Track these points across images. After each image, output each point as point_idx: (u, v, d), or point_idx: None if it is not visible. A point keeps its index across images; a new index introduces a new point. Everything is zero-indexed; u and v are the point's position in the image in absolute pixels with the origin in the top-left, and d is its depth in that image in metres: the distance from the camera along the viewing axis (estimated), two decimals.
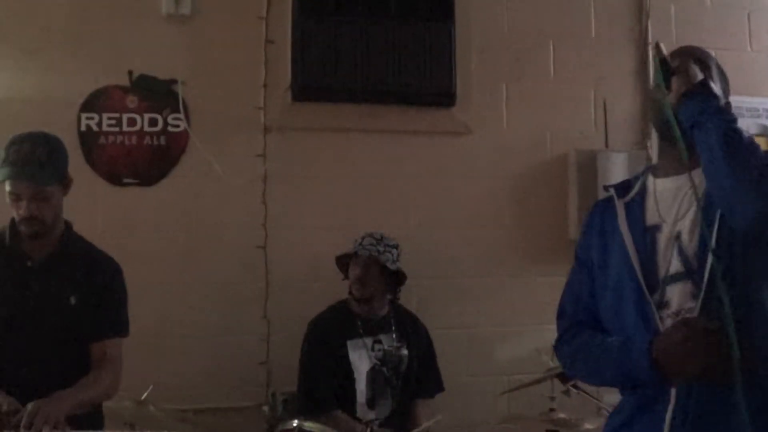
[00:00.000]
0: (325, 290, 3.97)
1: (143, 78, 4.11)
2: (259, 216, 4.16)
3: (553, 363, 3.62)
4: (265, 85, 4.23)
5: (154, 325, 3.88)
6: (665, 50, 2.01)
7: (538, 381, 3.60)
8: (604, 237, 2.14)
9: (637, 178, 2.17)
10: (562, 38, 4.62)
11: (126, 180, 4.09)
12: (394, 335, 3.84)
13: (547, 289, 4.37)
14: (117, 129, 4.07)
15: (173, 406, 3.21)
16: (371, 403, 3.73)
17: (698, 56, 2.07)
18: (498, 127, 4.53)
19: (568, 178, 4.55)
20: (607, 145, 4.62)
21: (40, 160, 2.73)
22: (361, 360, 3.76)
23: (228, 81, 4.19)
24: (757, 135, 4.52)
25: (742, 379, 1.84)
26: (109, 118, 4.07)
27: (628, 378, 2.01)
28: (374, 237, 3.82)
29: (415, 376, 3.86)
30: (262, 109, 4.22)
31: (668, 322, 1.94)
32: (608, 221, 2.14)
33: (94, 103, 4.06)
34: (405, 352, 3.81)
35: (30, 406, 2.46)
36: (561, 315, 2.29)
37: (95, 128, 4.05)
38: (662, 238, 2.00)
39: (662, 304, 1.96)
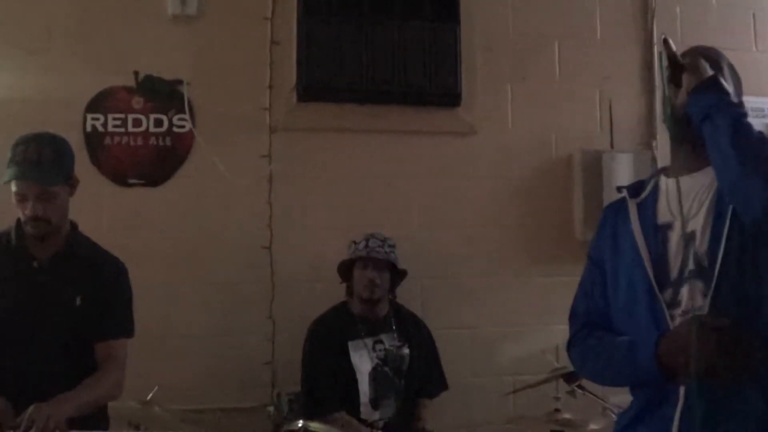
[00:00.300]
0: (330, 290, 3.97)
1: (149, 79, 4.12)
2: (264, 216, 4.17)
3: (558, 363, 3.62)
4: (270, 86, 4.23)
5: (160, 326, 3.88)
6: (674, 46, 1.99)
7: (543, 381, 3.60)
8: (616, 237, 2.14)
9: (650, 178, 2.17)
10: (567, 39, 4.62)
11: (131, 180, 4.10)
12: (395, 335, 3.84)
13: (551, 289, 4.39)
14: (122, 129, 4.08)
15: (178, 407, 3.21)
16: (375, 404, 3.73)
17: (709, 55, 2.07)
18: (503, 127, 4.53)
19: (573, 178, 4.54)
20: (612, 146, 4.61)
21: (46, 161, 2.73)
22: (362, 361, 3.76)
23: (233, 81, 4.19)
24: None
25: (751, 376, 1.84)
26: (115, 119, 4.07)
27: (635, 377, 2.02)
28: (378, 238, 3.82)
29: (418, 375, 3.86)
30: (267, 110, 4.22)
31: (678, 321, 1.94)
32: (621, 222, 2.14)
33: (99, 103, 4.07)
34: (406, 351, 3.82)
35: (31, 408, 2.46)
36: (573, 316, 2.31)
37: (101, 129, 4.06)
38: (674, 237, 2.00)
39: (673, 303, 1.96)
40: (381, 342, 3.81)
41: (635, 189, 2.17)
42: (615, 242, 2.14)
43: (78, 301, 2.80)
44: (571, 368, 3.54)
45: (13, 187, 2.73)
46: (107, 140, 4.07)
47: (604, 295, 2.19)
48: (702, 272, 1.93)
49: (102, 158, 4.06)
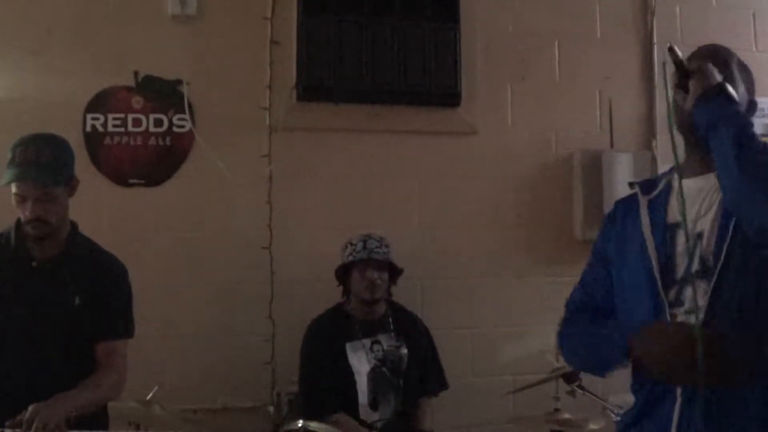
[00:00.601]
0: (330, 290, 3.97)
1: (148, 78, 4.12)
2: (264, 216, 4.17)
3: (558, 363, 3.62)
4: (270, 86, 4.23)
5: (159, 326, 3.88)
6: (680, 53, 1.98)
7: (543, 381, 3.60)
8: (624, 234, 2.14)
9: (662, 176, 2.17)
10: (568, 38, 4.62)
11: (131, 180, 4.10)
12: (392, 334, 3.84)
13: (552, 289, 4.39)
14: (122, 129, 4.08)
15: (178, 407, 3.22)
16: (374, 405, 3.72)
17: (718, 56, 2.05)
18: (503, 127, 4.53)
19: (573, 178, 4.55)
20: (612, 146, 4.61)
21: (45, 162, 2.72)
22: (360, 362, 3.75)
23: (233, 81, 4.19)
24: (763, 135, 4.51)
25: (750, 377, 1.84)
26: (115, 119, 4.07)
27: (606, 366, 2.08)
28: (374, 239, 3.82)
29: (417, 374, 3.86)
30: (267, 110, 4.22)
31: (680, 320, 1.95)
32: (630, 218, 2.14)
33: (99, 103, 4.07)
34: (404, 351, 3.81)
35: (30, 408, 2.46)
36: (567, 304, 2.32)
37: (100, 129, 4.06)
38: (682, 237, 1.99)
39: (676, 303, 1.97)
40: (379, 342, 3.80)
41: (647, 186, 2.17)
42: (623, 238, 2.14)
43: (77, 301, 2.80)
44: (570, 368, 3.55)
45: (13, 189, 2.73)
46: (107, 140, 4.07)
47: (603, 291, 2.19)
48: (706, 272, 1.93)
49: (102, 158, 4.06)
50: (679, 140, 2.06)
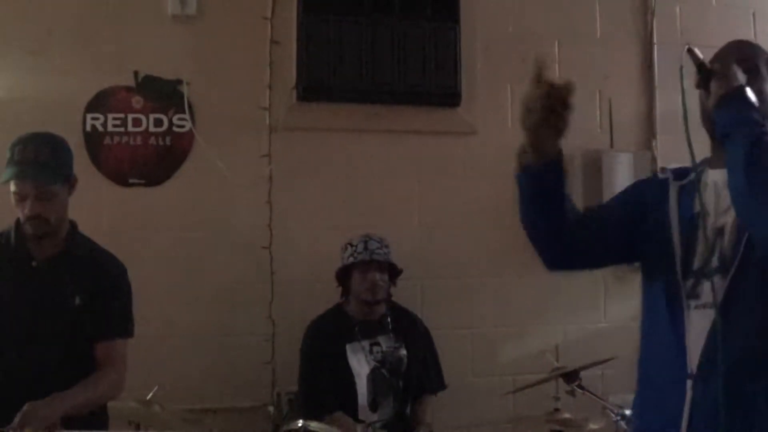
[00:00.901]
0: (330, 290, 3.96)
1: (148, 78, 4.11)
2: (264, 216, 4.16)
3: (558, 363, 3.62)
4: (270, 86, 4.23)
5: (159, 326, 3.88)
6: (700, 54, 1.97)
7: (543, 381, 3.60)
8: (647, 216, 2.13)
9: (696, 166, 2.14)
10: (568, 38, 4.61)
11: (131, 180, 4.10)
12: (391, 335, 3.83)
13: (551, 289, 4.40)
14: (122, 129, 4.08)
15: (178, 406, 3.21)
16: (373, 406, 3.71)
17: (744, 54, 2.04)
18: (503, 127, 4.52)
19: (573, 178, 4.53)
20: (612, 146, 4.61)
21: (44, 160, 2.73)
22: (360, 363, 3.74)
23: (233, 81, 4.19)
24: None
25: (761, 371, 1.85)
26: (115, 119, 4.07)
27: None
28: (375, 239, 3.81)
29: (417, 375, 3.85)
30: (267, 110, 4.22)
31: (694, 312, 1.95)
32: (661, 199, 2.13)
33: (99, 103, 4.07)
34: (403, 352, 3.80)
35: (26, 407, 2.46)
36: None
37: (100, 129, 4.06)
38: (705, 229, 1.99)
39: (692, 294, 1.97)
40: (378, 344, 3.79)
41: (679, 173, 2.17)
42: (645, 218, 2.13)
43: (77, 300, 2.80)
44: (570, 368, 3.55)
45: (12, 187, 2.73)
46: (107, 140, 4.07)
47: (610, 217, 2.21)
48: (724, 268, 1.93)
49: (102, 158, 4.06)
50: (703, 135, 2.06)
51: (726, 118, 1.91)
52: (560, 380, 3.57)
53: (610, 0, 4.68)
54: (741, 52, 2.05)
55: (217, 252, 4.14)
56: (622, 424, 3.36)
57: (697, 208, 2.03)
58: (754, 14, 4.82)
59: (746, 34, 4.70)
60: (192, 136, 4.14)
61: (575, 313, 4.53)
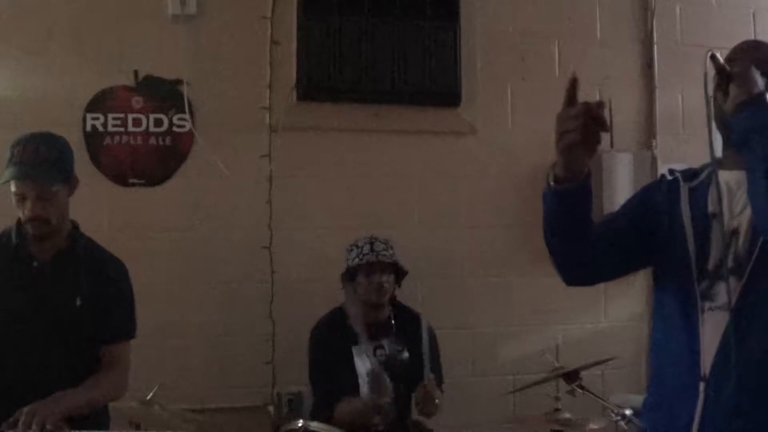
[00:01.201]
0: (330, 290, 3.96)
1: (149, 78, 4.11)
2: (264, 216, 4.17)
3: (558, 363, 3.62)
4: (270, 85, 4.23)
5: (159, 325, 3.87)
6: (721, 59, 1.95)
7: (543, 381, 3.60)
8: (660, 220, 2.12)
9: (705, 167, 2.14)
10: (568, 38, 4.62)
11: (131, 180, 4.10)
12: (395, 338, 3.78)
13: (551, 289, 4.36)
14: (122, 129, 4.08)
15: (178, 406, 3.21)
16: (377, 408, 3.67)
17: (763, 54, 2.03)
18: (503, 127, 4.53)
19: None
20: (612, 145, 4.61)
21: (44, 160, 2.72)
22: (365, 366, 3.70)
23: (233, 81, 4.19)
24: None
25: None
26: (115, 119, 4.07)
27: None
28: (380, 241, 3.77)
29: (419, 376, 3.81)
30: (267, 109, 4.22)
31: (708, 314, 1.95)
32: (671, 201, 2.11)
33: (99, 103, 4.06)
34: (406, 355, 3.76)
35: (27, 408, 2.46)
36: None
37: (100, 129, 4.06)
38: (718, 229, 1.98)
39: (707, 296, 1.96)
40: (382, 347, 3.75)
41: (689, 174, 2.15)
42: (658, 223, 2.11)
43: (78, 301, 2.80)
44: (571, 368, 3.55)
45: (12, 187, 2.73)
46: (107, 140, 4.06)
47: (611, 224, 2.20)
48: (739, 270, 1.93)
49: (102, 158, 4.06)
50: (705, 135, 2.05)
51: (745, 123, 1.90)
52: (560, 380, 3.57)
53: (610, 0, 4.68)
54: (759, 53, 2.03)
55: (217, 252, 4.14)
56: (623, 424, 3.36)
57: (711, 209, 2.02)
58: (754, 14, 4.82)
59: (746, 34, 4.70)
60: (192, 136, 4.14)
61: (575, 313, 4.53)
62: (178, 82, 4.13)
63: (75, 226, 2.93)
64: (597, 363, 3.65)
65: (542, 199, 2.03)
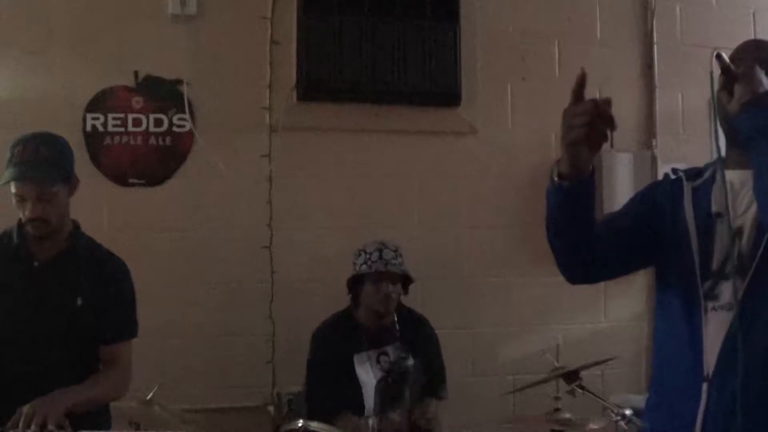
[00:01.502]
0: (330, 290, 3.97)
1: (149, 78, 4.12)
2: (264, 216, 4.17)
3: (558, 363, 3.62)
4: (270, 85, 4.23)
5: (160, 325, 3.87)
6: (727, 59, 1.94)
7: (543, 381, 3.59)
8: (664, 220, 2.11)
9: (708, 166, 2.13)
10: (568, 38, 4.62)
11: (131, 180, 4.10)
12: (399, 345, 3.72)
13: (551, 289, 4.39)
14: (122, 129, 4.08)
15: (178, 406, 3.20)
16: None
17: (766, 55, 2.01)
18: (503, 127, 4.54)
19: None
20: (612, 145, 4.60)
21: (44, 161, 2.72)
22: (367, 374, 3.66)
23: (233, 81, 4.19)
24: None
25: None
26: (115, 119, 4.08)
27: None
28: (390, 249, 3.71)
29: (423, 383, 3.78)
30: (267, 109, 4.22)
31: (712, 314, 1.94)
32: (673, 204, 2.11)
33: (99, 103, 4.07)
34: (410, 362, 3.70)
35: (27, 406, 2.46)
36: None
37: (100, 129, 4.06)
38: (722, 229, 1.98)
39: (711, 296, 1.96)
40: (386, 354, 3.71)
41: (692, 173, 2.14)
42: (661, 223, 2.11)
43: (79, 301, 2.80)
44: (571, 368, 3.55)
45: (12, 188, 2.72)
46: (107, 140, 4.07)
47: (615, 222, 2.19)
48: (742, 269, 1.92)
49: (102, 158, 4.06)
50: (703, 135, 2.05)
51: (750, 123, 1.89)
52: (560, 380, 3.56)
53: (610, 0, 4.68)
54: (762, 53, 2.02)
55: (217, 252, 4.14)
56: (623, 424, 3.36)
57: (715, 208, 2.01)
58: (754, 14, 4.82)
59: (746, 34, 4.69)
60: (192, 136, 4.14)
61: (575, 313, 4.53)
62: (178, 82, 4.13)
63: (76, 226, 2.93)
64: (597, 363, 3.65)
65: (546, 195, 2.02)
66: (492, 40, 4.52)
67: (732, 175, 2.00)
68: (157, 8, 4.12)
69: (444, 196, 4.44)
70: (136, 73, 4.11)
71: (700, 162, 2.20)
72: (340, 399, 3.60)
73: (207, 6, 4.17)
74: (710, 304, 1.95)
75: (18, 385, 2.67)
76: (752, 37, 4.68)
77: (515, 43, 4.55)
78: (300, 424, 3.15)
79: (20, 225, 2.81)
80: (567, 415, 3.47)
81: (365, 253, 3.72)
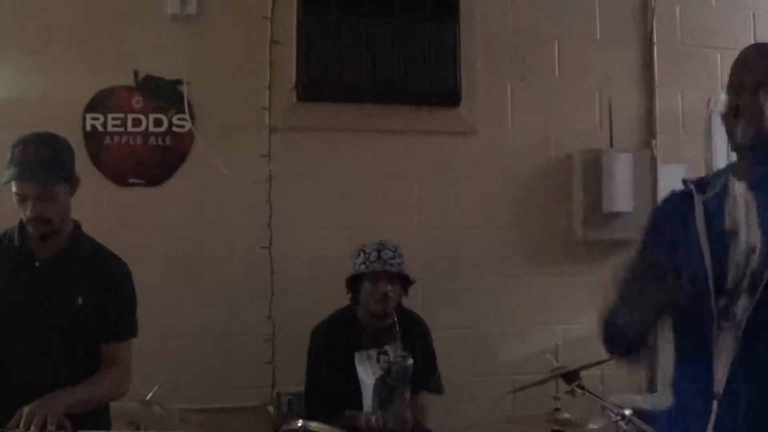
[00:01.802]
0: (330, 290, 3.96)
1: (148, 78, 4.12)
2: (264, 216, 4.16)
3: (558, 363, 3.62)
4: (270, 86, 4.23)
5: (160, 325, 3.87)
6: (723, 100, 1.92)
7: (543, 381, 3.60)
8: (677, 240, 2.04)
9: (718, 175, 2.07)
10: (568, 38, 4.62)
11: (131, 180, 4.10)
12: (399, 344, 3.73)
13: (551, 289, 4.40)
14: (122, 129, 4.08)
15: (178, 406, 3.21)
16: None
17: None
18: (503, 126, 4.53)
19: (573, 177, 4.55)
20: (612, 145, 4.61)
21: (45, 160, 2.72)
22: (367, 373, 3.66)
23: (233, 81, 4.19)
24: None
25: None
26: (114, 119, 4.08)
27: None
28: (389, 249, 3.71)
29: (422, 381, 3.79)
30: (267, 110, 4.22)
31: (725, 332, 1.90)
32: (683, 221, 2.05)
33: (99, 103, 4.07)
34: (410, 361, 3.72)
35: (27, 407, 2.46)
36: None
37: (100, 129, 4.06)
38: (737, 246, 1.93)
39: (725, 314, 1.91)
40: (386, 353, 3.70)
41: (702, 185, 2.06)
42: (675, 243, 2.04)
43: (80, 300, 2.80)
44: (570, 368, 3.55)
45: (13, 188, 2.73)
46: (107, 140, 4.07)
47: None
48: (752, 288, 1.88)
49: (101, 158, 4.06)
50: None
51: (753, 167, 1.88)
52: (560, 380, 3.57)
53: (609, 0, 4.68)
54: (765, 70, 1.93)
55: (216, 252, 4.14)
56: (622, 424, 3.36)
57: (729, 225, 1.96)
58: (754, 14, 4.81)
59: (746, 35, 4.72)
60: (192, 136, 4.14)
61: (575, 313, 4.52)
62: (178, 82, 4.13)
63: (77, 226, 2.93)
64: (597, 363, 3.65)
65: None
66: (492, 40, 4.52)
67: (741, 188, 1.96)
68: (156, 8, 4.12)
69: (444, 196, 4.44)
70: (135, 73, 4.11)
71: (699, 161, 2.19)
72: (339, 396, 3.61)
73: (207, 6, 4.16)
74: (724, 323, 1.91)
75: (19, 384, 2.67)
76: (752, 37, 4.72)
77: (515, 43, 4.55)
78: (299, 425, 3.16)
79: (21, 225, 2.81)
80: (566, 415, 3.48)
81: (364, 252, 3.72)
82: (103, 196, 4.01)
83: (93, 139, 4.05)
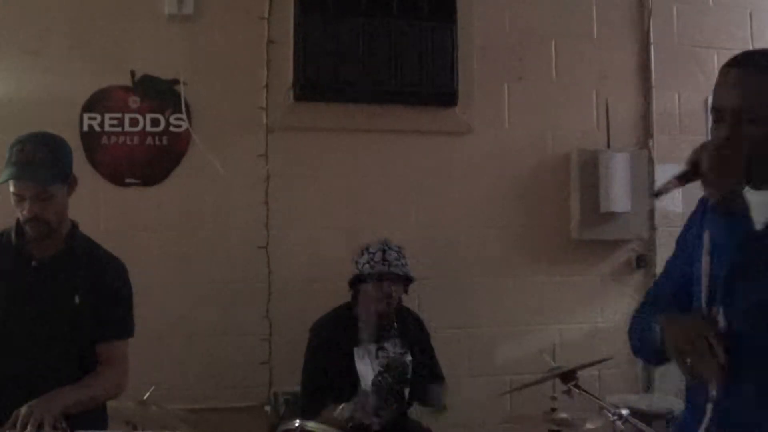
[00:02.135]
0: (327, 290, 3.97)
1: (145, 78, 4.11)
2: (261, 216, 4.17)
3: (555, 363, 3.62)
4: (266, 85, 4.23)
5: (156, 325, 3.87)
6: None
7: (540, 381, 3.60)
8: (698, 233, 2.06)
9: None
10: (565, 38, 4.62)
11: (128, 180, 4.10)
12: (398, 341, 3.74)
13: (548, 289, 4.41)
14: (119, 129, 4.08)
15: (175, 406, 3.21)
16: (376, 411, 3.66)
17: (747, 105, 1.90)
18: (500, 126, 4.54)
19: (570, 177, 4.55)
20: (609, 145, 4.62)
21: (42, 160, 2.71)
22: (366, 368, 3.66)
23: (230, 81, 4.19)
24: None
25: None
26: (112, 119, 4.07)
27: (654, 354, 2.03)
28: (393, 249, 3.70)
29: (421, 379, 3.79)
30: (264, 109, 4.22)
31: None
32: (699, 219, 2.06)
33: (96, 103, 4.07)
34: (409, 358, 3.73)
35: (24, 408, 2.46)
36: (647, 292, 2.28)
37: (97, 128, 4.06)
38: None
39: (714, 322, 1.90)
40: (384, 349, 3.71)
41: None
42: (697, 237, 2.06)
43: (77, 300, 2.79)
44: (566, 368, 3.55)
45: (11, 188, 2.72)
46: (104, 140, 4.06)
47: (682, 281, 2.12)
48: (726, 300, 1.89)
49: (99, 158, 4.06)
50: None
51: (725, 233, 1.88)
52: (557, 380, 3.57)
53: (607, 0, 4.69)
54: (743, 100, 1.91)
55: (214, 252, 4.14)
56: (619, 423, 3.36)
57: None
58: (750, 14, 4.82)
59: (743, 35, 4.73)
60: (189, 136, 4.14)
61: (572, 314, 4.53)
62: (175, 82, 4.13)
63: (74, 226, 2.93)
64: (594, 363, 3.66)
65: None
66: (489, 40, 4.53)
67: (757, 196, 1.92)
68: (154, 8, 4.12)
69: (441, 196, 4.44)
70: (132, 73, 4.11)
71: None
72: (337, 392, 3.61)
73: (204, 6, 4.16)
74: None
75: (15, 384, 2.67)
76: (748, 37, 4.73)
77: (512, 43, 4.56)
78: (297, 424, 3.15)
79: (18, 224, 2.81)
80: (564, 415, 3.48)
81: (368, 252, 3.71)
82: (100, 195, 4.01)
83: (90, 138, 4.05)
